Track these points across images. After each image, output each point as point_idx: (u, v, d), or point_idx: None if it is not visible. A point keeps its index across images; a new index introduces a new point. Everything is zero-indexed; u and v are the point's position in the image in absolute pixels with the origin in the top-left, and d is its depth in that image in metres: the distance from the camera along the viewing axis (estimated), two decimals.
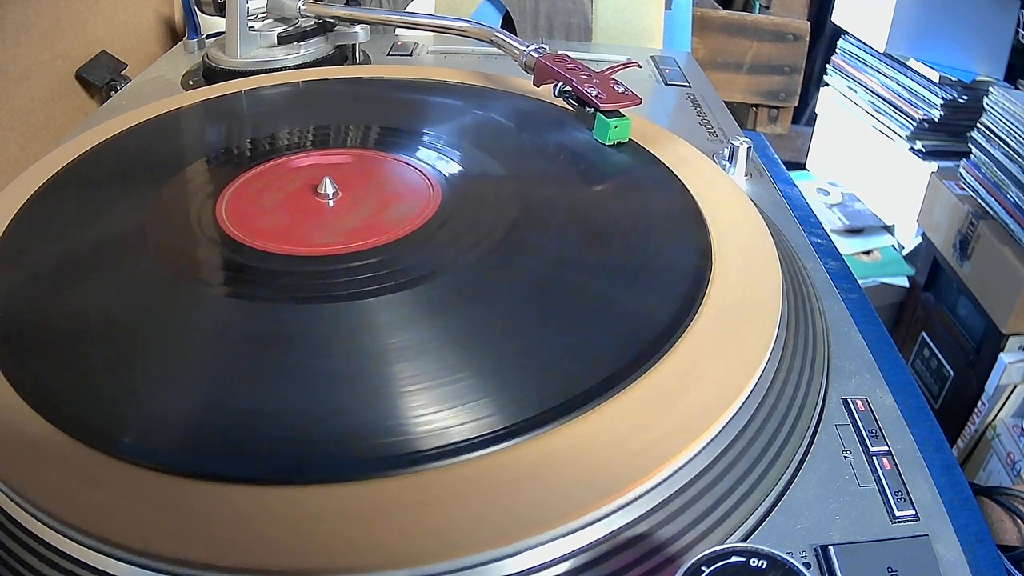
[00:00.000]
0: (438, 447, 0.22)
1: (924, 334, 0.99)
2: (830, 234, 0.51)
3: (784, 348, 0.29)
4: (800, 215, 0.43)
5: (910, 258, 1.09)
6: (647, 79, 0.60)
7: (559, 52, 0.45)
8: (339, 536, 0.20)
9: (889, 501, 0.25)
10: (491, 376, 0.25)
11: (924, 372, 0.99)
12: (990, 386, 0.86)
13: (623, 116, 0.40)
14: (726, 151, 0.44)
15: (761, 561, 0.18)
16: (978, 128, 0.88)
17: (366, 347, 0.27)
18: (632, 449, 0.23)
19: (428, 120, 0.44)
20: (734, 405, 0.25)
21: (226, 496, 0.21)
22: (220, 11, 0.56)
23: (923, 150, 1.03)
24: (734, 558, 0.18)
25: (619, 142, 0.40)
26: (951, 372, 0.93)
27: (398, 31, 0.69)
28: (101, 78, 0.61)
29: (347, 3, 0.61)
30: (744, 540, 0.23)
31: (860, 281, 0.41)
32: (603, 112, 0.40)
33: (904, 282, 1.06)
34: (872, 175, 1.16)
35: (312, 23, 0.56)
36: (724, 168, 0.44)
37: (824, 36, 1.30)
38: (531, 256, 0.32)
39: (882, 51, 1.09)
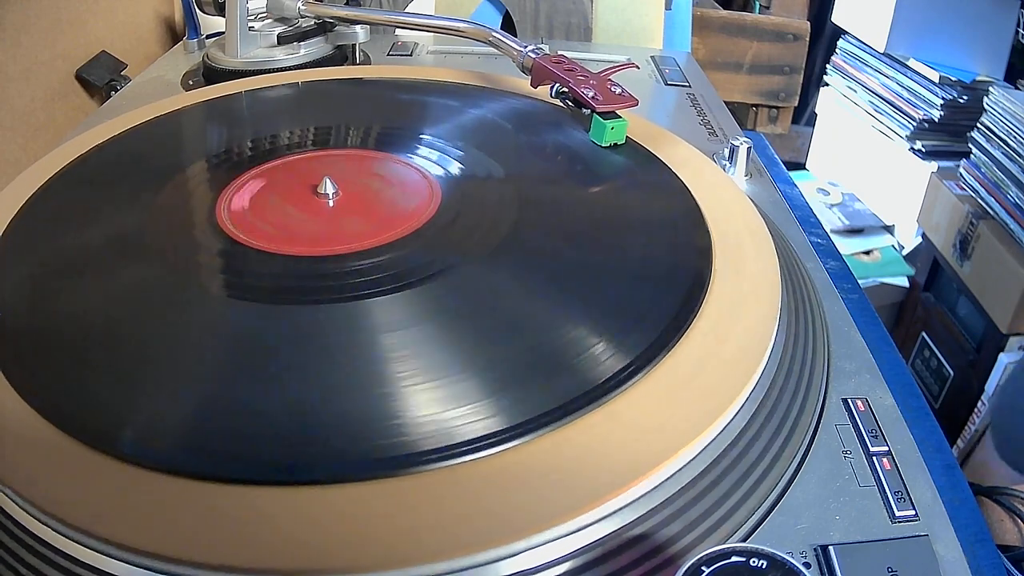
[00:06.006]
0: (437, 448, 0.22)
1: (924, 334, 0.99)
2: (830, 234, 0.51)
3: (784, 348, 0.29)
4: (800, 215, 0.43)
5: (910, 258, 1.08)
6: (647, 79, 0.60)
7: (557, 53, 0.45)
8: (339, 536, 0.20)
9: (889, 501, 0.25)
10: (491, 376, 0.25)
11: (924, 372, 0.99)
12: (990, 386, 0.86)
13: (620, 118, 0.40)
14: (726, 151, 0.44)
15: (761, 561, 0.18)
16: (978, 128, 0.88)
17: (366, 347, 0.27)
18: (632, 449, 0.23)
19: (428, 120, 0.44)
20: (734, 405, 0.25)
21: (226, 496, 0.21)
22: (220, 11, 0.56)
23: (923, 150, 1.03)
24: (734, 558, 0.18)
25: (616, 144, 0.40)
26: (951, 372, 0.93)
27: (398, 31, 0.69)
28: (101, 78, 0.61)
29: (347, 3, 0.61)
30: (744, 540, 0.23)
31: (860, 281, 0.41)
32: (599, 114, 0.40)
33: (904, 282, 1.06)
34: (872, 175, 1.16)
35: (312, 23, 0.56)
36: (724, 168, 0.44)
37: (824, 36, 1.30)
38: (531, 256, 0.32)
39: (882, 51, 1.09)
